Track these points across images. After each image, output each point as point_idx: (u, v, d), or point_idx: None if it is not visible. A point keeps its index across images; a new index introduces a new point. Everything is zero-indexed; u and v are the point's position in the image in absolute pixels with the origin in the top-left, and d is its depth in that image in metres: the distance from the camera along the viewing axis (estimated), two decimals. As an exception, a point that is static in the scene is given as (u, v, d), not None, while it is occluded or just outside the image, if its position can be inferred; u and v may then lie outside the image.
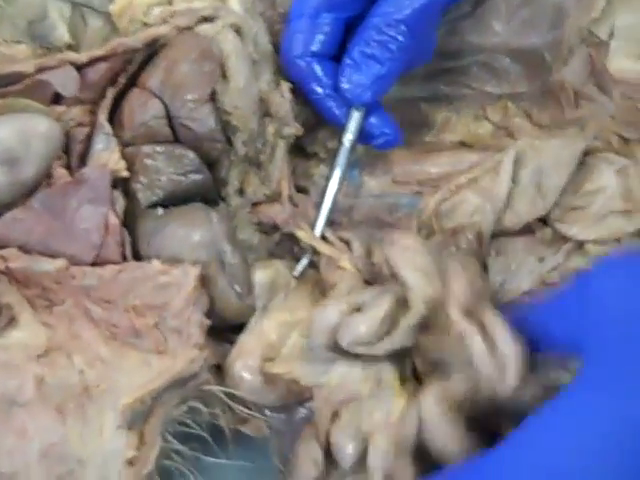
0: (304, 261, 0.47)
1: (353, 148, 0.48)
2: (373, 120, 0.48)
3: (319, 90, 0.48)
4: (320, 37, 0.47)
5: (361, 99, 0.47)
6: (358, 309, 0.41)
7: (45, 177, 0.45)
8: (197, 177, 0.44)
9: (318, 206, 0.48)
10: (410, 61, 0.48)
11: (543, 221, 0.48)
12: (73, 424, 0.41)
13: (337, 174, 0.48)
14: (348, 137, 0.48)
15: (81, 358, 0.43)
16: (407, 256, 0.41)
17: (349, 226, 0.48)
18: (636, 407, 0.31)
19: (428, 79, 0.53)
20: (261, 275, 0.44)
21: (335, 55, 0.48)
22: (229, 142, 0.46)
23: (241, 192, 0.47)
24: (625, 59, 0.49)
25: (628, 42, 0.49)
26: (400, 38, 0.46)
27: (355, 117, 0.48)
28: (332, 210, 0.47)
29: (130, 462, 0.39)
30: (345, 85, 0.47)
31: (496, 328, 0.38)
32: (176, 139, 0.45)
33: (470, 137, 0.52)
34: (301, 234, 0.47)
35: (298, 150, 0.50)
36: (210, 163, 0.45)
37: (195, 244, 0.42)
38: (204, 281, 0.42)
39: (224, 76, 0.45)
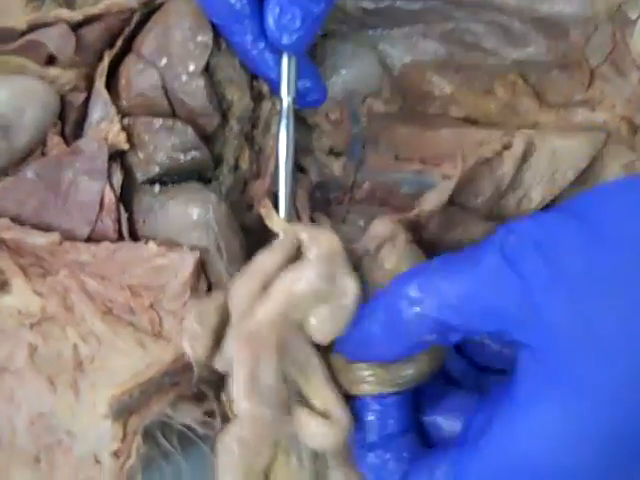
0: None
1: (294, 102, 0.43)
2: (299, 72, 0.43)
3: (239, 29, 0.42)
4: None
5: (293, 43, 0.41)
6: None
7: (40, 144, 0.44)
8: (196, 154, 0.43)
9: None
10: None
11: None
12: (64, 396, 0.42)
13: (284, 138, 0.42)
14: (286, 91, 0.42)
15: (75, 331, 0.43)
16: None
17: (350, 204, 0.47)
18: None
19: (441, 40, 0.50)
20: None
21: None
22: (224, 117, 0.45)
23: (235, 169, 0.46)
24: (650, 41, 0.46)
25: (656, 23, 0.46)
26: None
27: (289, 66, 0.42)
28: (293, 185, 0.43)
29: (115, 454, 0.40)
30: (273, 26, 0.41)
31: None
32: (174, 112, 0.43)
33: (476, 112, 0.50)
34: (263, 212, 0.42)
35: (298, 122, 0.48)
36: (205, 138, 0.44)
37: (192, 226, 0.42)
38: (203, 266, 0.42)
39: (219, 48, 0.44)
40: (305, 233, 0.37)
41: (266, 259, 0.37)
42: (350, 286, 0.36)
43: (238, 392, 0.35)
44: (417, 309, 0.34)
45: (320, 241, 0.37)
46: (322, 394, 0.36)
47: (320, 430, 0.35)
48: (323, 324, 0.36)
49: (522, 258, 0.31)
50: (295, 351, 0.36)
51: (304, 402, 0.36)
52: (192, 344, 0.37)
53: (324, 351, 0.37)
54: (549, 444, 0.31)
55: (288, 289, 0.36)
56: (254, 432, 0.35)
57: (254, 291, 0.36)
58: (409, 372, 0.36)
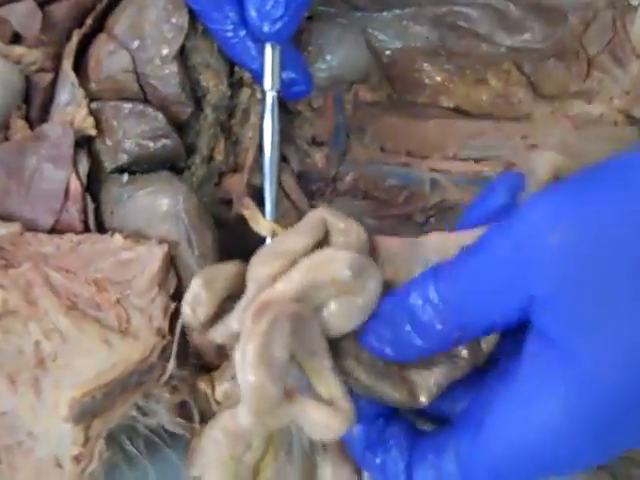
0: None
1: (278, 94, 0.41)
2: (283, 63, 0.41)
3: (217, 16, 0.40)
4: None
5: (276, 32, 0.39)
6: None
7: (2, 128, 0.42)
8: (167, 142, 0.41)
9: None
10: None
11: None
12: (25, 395, 0.40)
13: (268, 136, 0.40)
14: (270, 84, 0.40)
15: (38, 327, 0.40)
16: None
17: (332, 196, 0.45)
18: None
19: (433, 24, 0.48)
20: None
21: None
22: (198, 105, 0.42)
23: (209, 160, 0.44)
24: (651, 30, 0.44)
25: (659, 10, 0.44)
26: None
27: (273, 56, 0.40)
28: (277, 184, 0.41)
29: (76, 459, 0.38)
30: (255, 14, 0.38)
31: None
32: (146, 97, 0.41)
33: (467, 102, 0.47)
34: (247, 214, 0.41)
35: (279, 109, 0.45)
36: (178, 127, 0.42)
37: (161, 218, 0.39)
38: (173, 261, 0.39)
39: (196, 31, 0.41)
40: (337, 220, 0.35)
41: (294, 241, 0.34)
42: (376, 282, 0.33)
43: (246, 363, 0.31)
44: (436, 302, 0.31)
45: (350, 230, 0.34)
46: (328, 382, 0.33)
47: (324, 419, 0.32)
48: (342, 314, 0.33)
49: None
50: (307, 332, 0.33)
51: (307, 389, 0.34)
52: (194, 308, 0.34)
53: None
54: (555, 415, 0.29)
55: (317, 266, 0.33)
56: (255, 406, 0.32)
57: (277, 273, 0.33)
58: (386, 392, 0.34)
